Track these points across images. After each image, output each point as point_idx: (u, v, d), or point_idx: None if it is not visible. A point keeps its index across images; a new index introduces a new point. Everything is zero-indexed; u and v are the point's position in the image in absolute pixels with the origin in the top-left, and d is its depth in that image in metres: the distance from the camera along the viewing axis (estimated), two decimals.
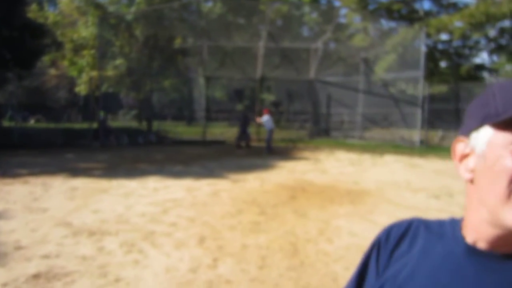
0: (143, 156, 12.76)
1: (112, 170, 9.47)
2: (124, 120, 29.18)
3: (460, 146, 0.67)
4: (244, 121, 15.61)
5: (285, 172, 9.61)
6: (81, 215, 5.40)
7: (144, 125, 23.95)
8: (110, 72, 18.27)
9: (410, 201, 6.67)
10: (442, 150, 15.21)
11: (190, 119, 24.92)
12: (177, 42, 20.16)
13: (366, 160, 12.30)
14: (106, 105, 18.65)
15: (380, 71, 18.76)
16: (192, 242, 4.40)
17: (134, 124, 25.81)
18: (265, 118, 14.38)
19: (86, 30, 17.57)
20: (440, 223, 0.73)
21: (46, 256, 3.88)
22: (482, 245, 0.64)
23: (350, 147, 15.93)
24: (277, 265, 3.80)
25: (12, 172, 8.80)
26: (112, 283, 3.32)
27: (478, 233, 0.64)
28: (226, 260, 3.92)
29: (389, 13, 22.65)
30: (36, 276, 3.40)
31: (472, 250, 0.64)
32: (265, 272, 3.64)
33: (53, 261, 3.76)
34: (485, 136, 0.62)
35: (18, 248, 4.09)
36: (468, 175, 0.65)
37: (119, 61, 18.71)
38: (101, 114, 16.47)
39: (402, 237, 0.74)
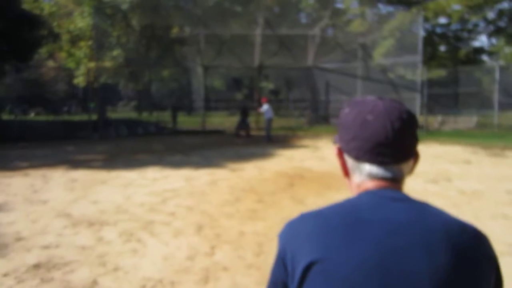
0: (142, 146, 12.80)
1: (111, 161, 9.52)
2: (123, 111, 29.18)
3: None
4: (244, 113, 15.70)
5: (283, 160, 9.65)
6: (81, 206, 5.46)
7: (144, 116, 23.96)
8: (108, 63, 18.21)
9: (408, 186, 6.65)
10: (441, 135, 15.21)
11: (190, 109, 24.93)
12: (174, 31, 20.04)
13: None
14: (105, 97, 18.64)
15: (378, 57, 18.65)
16: (190, 231, 4.46)
17: (133, 115, 25.80)
18: (265, 108, 14.39)
19: (82, 20, 17.44)
20: None
21: (46, 247, 3.94)
22: None
23: None
24: (273, 251, 3.84)
25: (12, 165, 8.85)
26: (110, 272, 3.39)
27: None
28: (223, 247, 3.98)
29: None
30: (36, 266, 3.46)
31: None
32: (261, 258, 3.70)
33: (53, 251, 3.82)
34: None
35: (19, 239, 4.15)
36: None
37: (116, 52, 18.62)
38: (92, 105, 16.50)
39: None
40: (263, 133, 15.12)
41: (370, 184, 0.85)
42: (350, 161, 0.88)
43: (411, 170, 0.88)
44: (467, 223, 0.79)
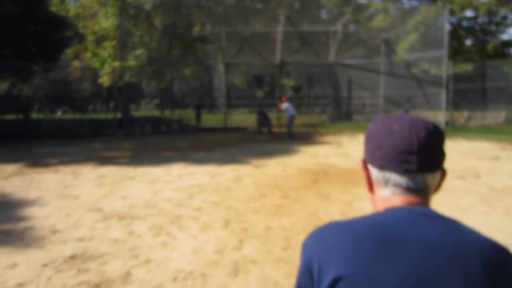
0: (166, 144, 13.02)
1: (137, 158, 9.73)
2: (146, 109, 29.65)
3: None
4: (261, 114, 15.95)
5: (307, 157, 9.63)
6: (111, 201, 5.61)
7: (167, 113, 24.28)
8: (131, 62, 18.54)
9: None
10: (468, 131, 14.84)
11: (211, 107, 25.13)
12: (196, 30, 20.22)
13: None
14: (129, 95, 19.00)
15: (402, 52, 18.31)
16: (218, 225, 4.53)
17: (156, 113, 26.19)
18: (285, 106, 14.39)
19: (106, 21, 17.84)
20: None
21: (80, 239, 4.08)
22: None
23: None
24: (301, 246, 3.87)
25: (43, 162, 9.17)
26: (143, 264, 3.49)
27: None
28: (251, 241, 4.03)
29: None
30: (72, 257, 3.60)
31: None
32: (289, 252, 3.73)
33: (87, 244, 3.96)
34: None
35: (54, 232, 4.32)
36: None
37: (139, 51, 18.94)
38: (111, 104, 16.93)
39: None
40: (285, 130, 15.12)
41: (398, 200, 0.84)
42: (375, 172, 0.88)
43: (437, 187, 0.88)
44: (498, 242, 0.78)
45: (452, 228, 0.77)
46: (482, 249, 0.74)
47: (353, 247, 0.75)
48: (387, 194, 0.85)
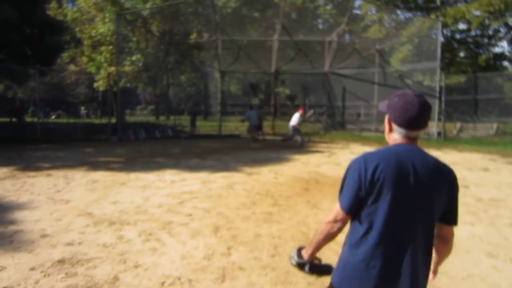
0: (160, 150, 13.03)
1: (130, 164, 9.74)
2: (141, 115, 29.63)
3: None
4: (251, 109, 16.19)
5: (299, 165, 9.70)
6: (102, 206, 5.63)
7: (161, 119, 24.25)
8: (127, 68, 18.58)
9: None
10: (459, 142, 15.00)
11: (206, 114, 25.17)
12: (193, 37, 20.33)
13: None
14: (124, 100, 19.01)
15: (396, 63, 18.54)
16: (207, 232, 4.57)
17: (151, 118, 26.18)
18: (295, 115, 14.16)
19: (103, 26, 17.91)
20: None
21: (69, 244, 4.10)
22: None
23: (365, 140, 15.87)
24: (288, 253, 3.92)
25: (36, 166, 9.15)
26: (131, 269, 3.51)
27: None
28: (239, 248, 4.07)
29: (405, 3, 22.27)
30: (61, 262, 3.62)
31: None
32: (276, 259, 3.78)
33: (76, 248, 3.98)
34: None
35: (44, 236, 4.33)
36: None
37: (136, 57, 18.99)
38: (82, 108, 16.95)
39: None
40: (279, 137, 15.22)
41: (401, 141, 1.64)
42: (394, 126, 1.66)
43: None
44: (442, 162, 1.65)
45: (422, 154, 1.60)
46: (434, 163, 1.61)
47: (381, 156, 1.58)
48: (397, 137, 1.65)
